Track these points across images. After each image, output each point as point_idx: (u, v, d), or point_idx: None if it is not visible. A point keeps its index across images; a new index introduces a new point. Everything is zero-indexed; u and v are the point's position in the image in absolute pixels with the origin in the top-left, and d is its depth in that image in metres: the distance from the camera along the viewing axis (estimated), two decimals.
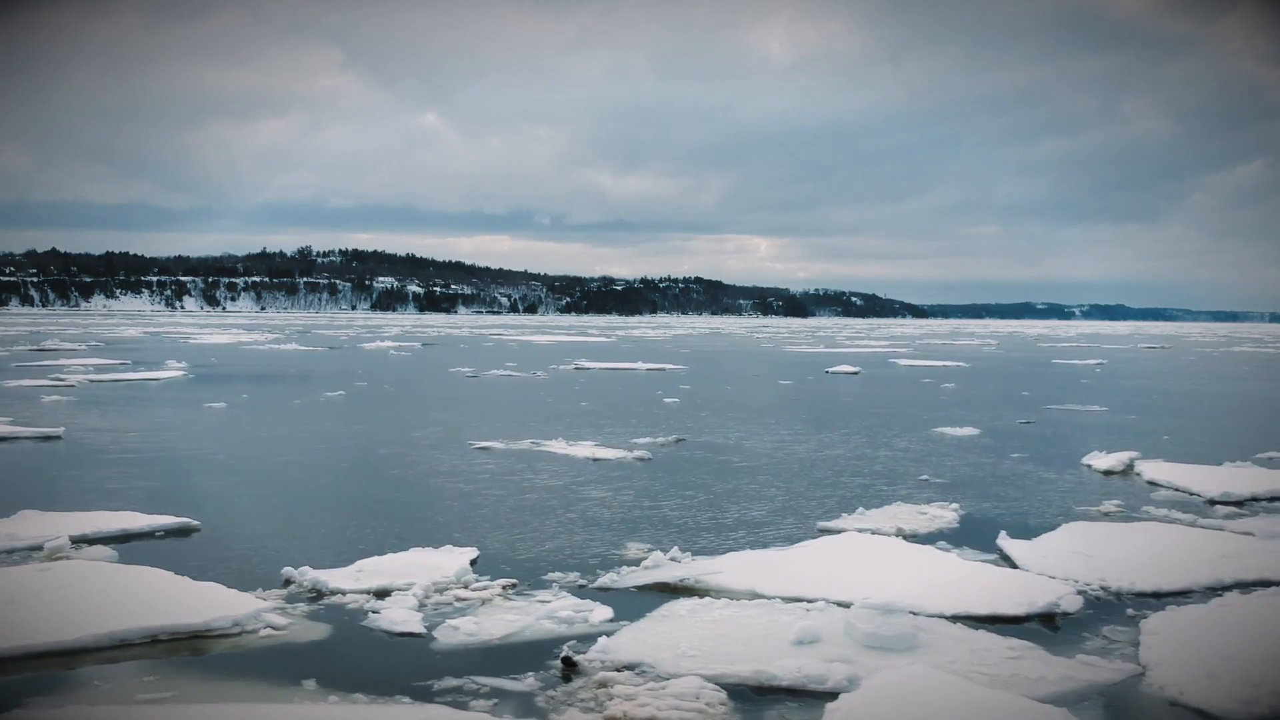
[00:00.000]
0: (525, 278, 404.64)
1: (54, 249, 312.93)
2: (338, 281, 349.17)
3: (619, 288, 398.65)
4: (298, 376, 42.13)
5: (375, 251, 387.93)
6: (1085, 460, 19.60)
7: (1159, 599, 10.37)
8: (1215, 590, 10.58)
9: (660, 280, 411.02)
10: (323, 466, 18.75)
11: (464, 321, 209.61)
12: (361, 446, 21.36)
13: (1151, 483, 17.52)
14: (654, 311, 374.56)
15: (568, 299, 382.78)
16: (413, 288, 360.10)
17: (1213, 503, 15.71)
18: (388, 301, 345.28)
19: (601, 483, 16.94)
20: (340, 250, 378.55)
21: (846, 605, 9.44)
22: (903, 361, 61.24)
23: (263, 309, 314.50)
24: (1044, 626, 9.59)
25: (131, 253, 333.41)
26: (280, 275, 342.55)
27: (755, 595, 10.17)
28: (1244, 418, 30.69)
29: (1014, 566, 11.50)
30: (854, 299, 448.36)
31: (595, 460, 19.44)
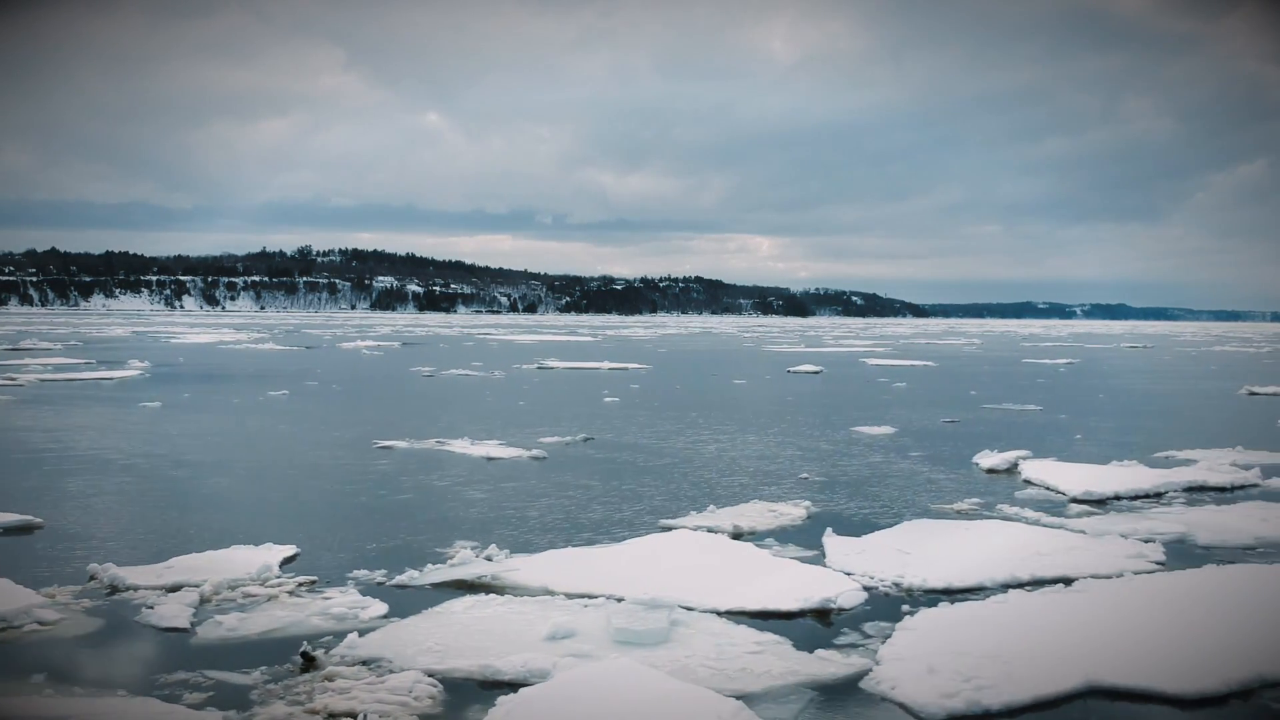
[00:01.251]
0: (525, 277, 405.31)
1: (54, 248, 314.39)
2: (337, 281, 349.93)
3: (619, 287, 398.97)
4: (254, 376, 42.33)
5: (375, 251, 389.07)
6: (975, 459, 19.73)
7: (946, 595, 10.51)
8: (1007, 587, 10.72)
9: (660, 280, 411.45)
10: (211, 465, 18.89)
11: (460, 321, 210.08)
12: (265, 445, 21.54)
13: (1026, 481, 17.67)
14: (654, 311, 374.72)
15: (567, 298, 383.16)
16: (412, 287, 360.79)
17: (1074, 501, 15.87)
18: (387, 301, 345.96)
19: (482, 482, 17.11)
20: (340, 250, 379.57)
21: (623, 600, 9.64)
22: (872, 361, 61.32)
23: (262, 308, 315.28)
24: (817, 621, 9.76)
25: (131, 252, 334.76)
26: (280, 275, 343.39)
27: (546, 592, 10.35)
28: (1167, 416, 30.72)
29: (823, 563, 11.65)
30: (855, 298, 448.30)
31: (490, 460, 19.63)
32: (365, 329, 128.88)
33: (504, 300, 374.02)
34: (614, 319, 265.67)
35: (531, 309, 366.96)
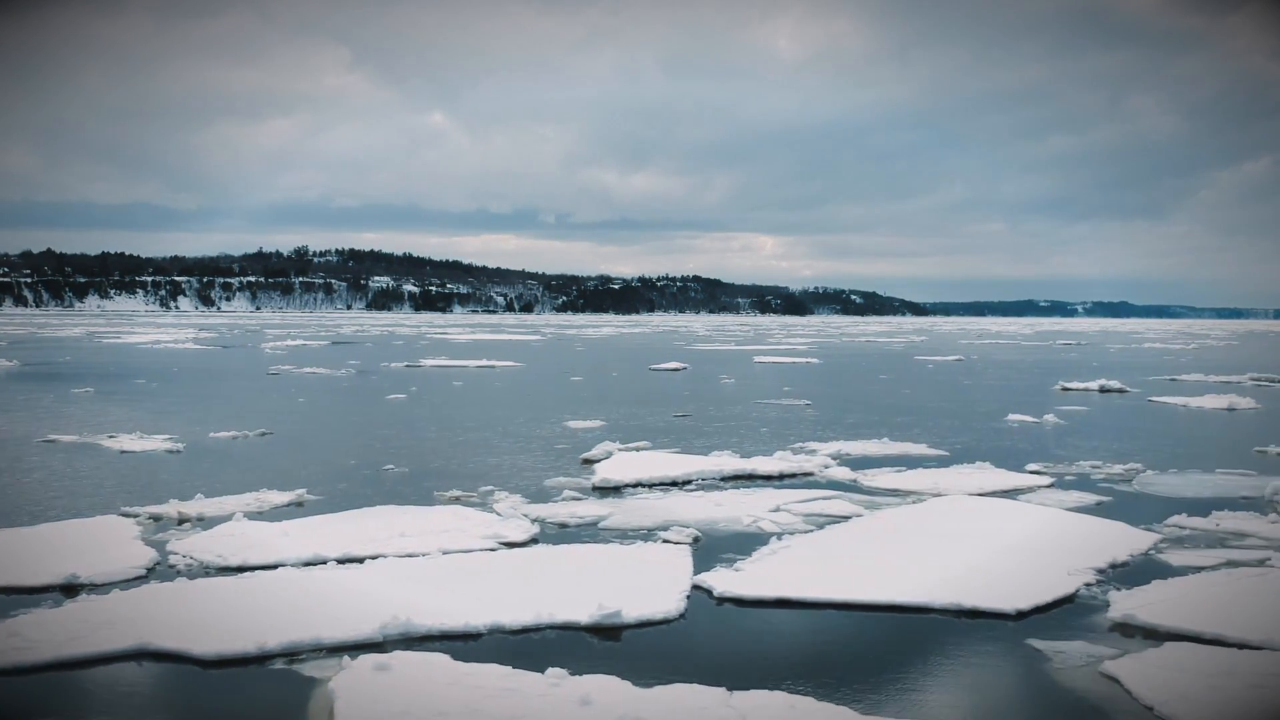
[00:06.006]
0: (523, 276, 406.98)
1: (49, 249, 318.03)
2: (333, 281, 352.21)
3: (616, 286, 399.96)
4: (105, 375, 43.20)
5: (372, 251, 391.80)
6: (588, 452, 20.32)
7: (267, 569, 11.28)
8: (320, 564, 11.48)
9: (659, 279, 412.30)
10: None
11: (444, 320, 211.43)
12: None
13: (595, 471, 18.28)
14: (651, 310, 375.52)
15: (564, 298, 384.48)
16: (409, 287, 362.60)
17: (594, 488, 16.64)
18: (383, 301, 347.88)
19: (81, 476, 17.85)
20: (337, 250, 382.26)
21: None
22: (762, 359, 61.91)
23: (258, 309, 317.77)
24: (88, 594, 10.58)
25: (129, 253, 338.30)
26: (276, 275, 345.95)
27: None
28: (912, 411, 30.77)
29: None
30: (854, 297, 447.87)
31: (122, 453, 20.49)
32: (330, 328, 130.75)
33: (500, 300, 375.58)
34: (606, 318, 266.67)
35: (528, 308, 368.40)
